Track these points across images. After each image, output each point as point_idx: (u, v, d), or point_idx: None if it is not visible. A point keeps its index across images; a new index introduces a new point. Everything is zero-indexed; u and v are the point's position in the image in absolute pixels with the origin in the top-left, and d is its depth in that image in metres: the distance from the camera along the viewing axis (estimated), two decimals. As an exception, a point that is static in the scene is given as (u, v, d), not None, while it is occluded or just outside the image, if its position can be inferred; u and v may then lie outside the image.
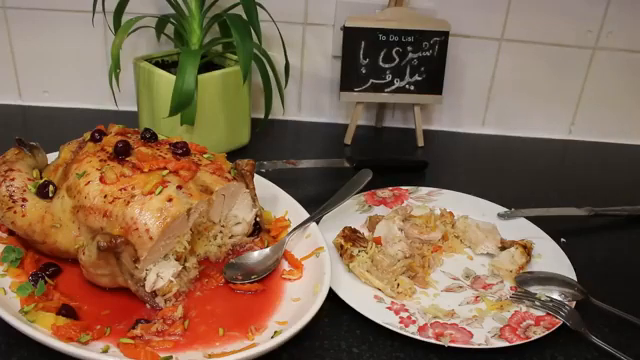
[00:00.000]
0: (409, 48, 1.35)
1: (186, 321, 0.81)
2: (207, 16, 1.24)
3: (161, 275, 0.83)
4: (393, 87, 1.38)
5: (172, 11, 1.24)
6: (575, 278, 0.95)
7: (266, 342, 0.75)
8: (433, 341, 0.81)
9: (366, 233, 1.03)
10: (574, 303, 0.90)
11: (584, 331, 0.85)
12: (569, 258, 0.99)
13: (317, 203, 1.02)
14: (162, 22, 1.30)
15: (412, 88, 1.38)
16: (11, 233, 0.91)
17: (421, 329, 0.84)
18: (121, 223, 0.80)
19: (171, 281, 0.84)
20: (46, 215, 0.87)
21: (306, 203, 1.03)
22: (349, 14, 1.33)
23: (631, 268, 1.04)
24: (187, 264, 0.88)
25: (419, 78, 1.37)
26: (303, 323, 0.77)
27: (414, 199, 1.15)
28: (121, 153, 0.88)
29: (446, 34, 1.34)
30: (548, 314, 0.87)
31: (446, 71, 1.38)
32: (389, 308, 0.88)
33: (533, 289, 0.92)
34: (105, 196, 0.82)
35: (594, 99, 1.48)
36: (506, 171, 1.36)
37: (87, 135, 0.95)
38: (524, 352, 0.83)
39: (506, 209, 1.12)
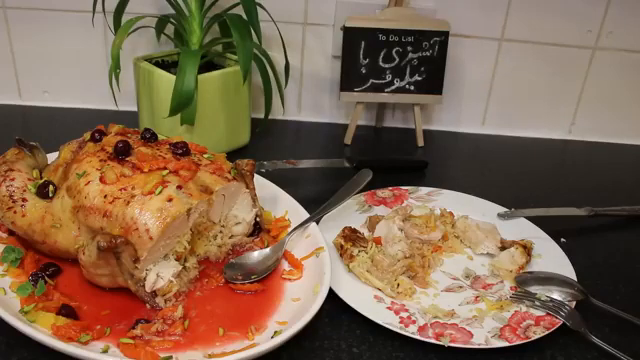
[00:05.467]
0: (409, 48, 1.35)
1: (186, 321, 0.81)
2: (207, 16, 1.24)
3: (161, 275, 0.83)
4: (393, 87, 1.38)
5: (172, 11, 1.24)
6: (575, 278, 0.95)
7: (266, 342, 0.75)
8: (433, 341, 0.81)
9: (366, 233, 1.03)
10: (574, 303, 0.90)
11: (584, 331, 0.85)
12: (569, 258, 0.99)
13: (317, 203, 1.02)
14: (162, 22, 1.30)
15: (412, 88, 1.38)
16: (11, 233, 0.91)
17: (421, 329, 0.84)
18: (121, 223, 0.80)
19: (171, 281, 0.84)
20: (46, 215, 0.87)
21: (306, 203, 1.03)
22: (349, 14, 1.33)
23: (631, 268, 1.04)
24: (187, 264, 0.88)
25: (419, 78, 1.37)
26: (303, 323, 0.77)
27: (414, 199, 1.15)
28: (121, 153, 0.88)
29: (446, 34, 1.34)
30: (548, 314, 0.87)
31: (446, 71, 1.38)
32: (389, 308, 0.88)
33: (533, 289, 0.92)
34: (105, 196, 0.82)
35: (594, 99, 1.48)
36: (506, 171, 1.36)
37: (87, 135, 0.95)
38: (524, 352, 0.83)
39: (506, 209, 1.12)
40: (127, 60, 1.26)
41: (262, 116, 1.30)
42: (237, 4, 1.25)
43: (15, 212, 0.87)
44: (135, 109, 1.31)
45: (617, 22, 1.38)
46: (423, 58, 1.36)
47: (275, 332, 0.79)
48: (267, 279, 0.91)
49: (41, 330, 0.75)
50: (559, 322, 0.86)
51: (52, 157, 1.00)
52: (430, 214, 1.07)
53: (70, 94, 1.45)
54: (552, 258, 1.01)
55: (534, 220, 1.09)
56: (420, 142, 1.42)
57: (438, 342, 0.81)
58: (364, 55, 1.34)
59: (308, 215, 1.00)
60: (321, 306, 0.81)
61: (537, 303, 0.89)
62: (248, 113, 1.30)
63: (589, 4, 1.37)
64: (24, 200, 0.88)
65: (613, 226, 1.16)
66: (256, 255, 0.95)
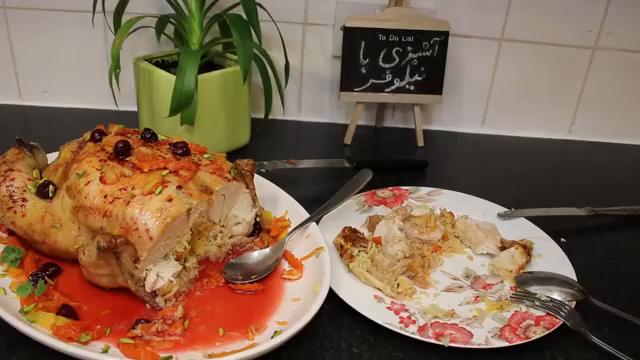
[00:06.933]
0: (409, 48, 1.35)
1: (186, 321, 0.81)
2: (207, 16, 1.24)
3: (161, 275, 0.83)
4: (393, 87, 1.38)
5: (172, 11, 1.24)
6: (575, 278, 0.95)
7: (266, 342, 0.75)
8: (433, 341, 0.81)
9: (366, 233, 1.03)
10: (574, 303, 0.90)
11: (584, 331, 0.85)
12: (569, 258, 0.99)
13: (317, 203, 1.02)
14: (162, 22, 1.30)
15: (412, 88, 1.38)
16: (11, 233, 0.91)
17: (421, 329, 0.84)
18: (121, 223, 0.80)
19: (171, 281, 0.84)
20: (46, 215, 0.87)
21: (306, 203, 1.03)
22: (349, 14, 1.33)
23: (631, 268, 1.04)
24: (187, 264, 0.88)
25: (419, 78, 1.37)
26: (303, 323, 0.77)
27: (414, 199, 1.15)
28: (121, 153, 0.88)
29: (446, 34, 1.34)
30: (548, 314, 0.87)
31: (446, 71, 1.38)
32: (389, 308, 0.88)
33: (533, 289, 0.92)
34: (105, 196, 0.82)
35: (594, 99, 1.48)
36: (506, 171, 1.36)
37: (87, 135, 0.95)
38: (524, 352, 0.83)
39: (506, 209, 1.12)
40: (127, 60, 1.26)
41: (262, 116, 1.30)
42: (237, 4, 1.25)
43: (15, 212, 0.87)
44: (135, 109, 1.31)
45: (617, 22, 1.38)
46: (423, 58, 1.36)
47: (275, 332, 0.79)
48: (267, 279, 0.91)
49: (41, 330, 0.75)
50: (559, 322, 0.86)
51: (52, 157, 1.00)
52: (430, 214, 1.07)
53: (70, 94, 1.45)
54: (552, 258, 1.01)
55: (534, 220, 1.09)
56: (420, 142, 1.42)
57: (438, 342, 0.81)
58: (364, 55, 1.34)
59: (308, 215, 1.00)
60: (321, 306, 0.81)
61: (537, 303, 0.89)
62: (248, 113, 1.30)
63: (589, 4, 1.37)
64: (24, 200, 0.88)
65: (613, 226, 1.16)
66: (256, 255, 0.95)
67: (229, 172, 0.92)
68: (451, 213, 1.08)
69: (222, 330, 0.80)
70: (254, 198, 0.96)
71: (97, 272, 0.82)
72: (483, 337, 0.83)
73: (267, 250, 0.95)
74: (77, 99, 1.45)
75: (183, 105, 1.12)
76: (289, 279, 0.91)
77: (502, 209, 1.13)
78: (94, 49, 1.40)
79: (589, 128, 1.51)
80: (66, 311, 0.79)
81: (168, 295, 0.84)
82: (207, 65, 1.26)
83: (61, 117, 1.42)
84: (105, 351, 0.75)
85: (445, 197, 1.15)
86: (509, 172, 1.36)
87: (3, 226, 0.92)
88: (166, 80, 1.16)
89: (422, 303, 0.91)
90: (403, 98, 1.39)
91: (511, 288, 0.95)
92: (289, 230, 0.98)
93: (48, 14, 1.36)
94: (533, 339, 0.83)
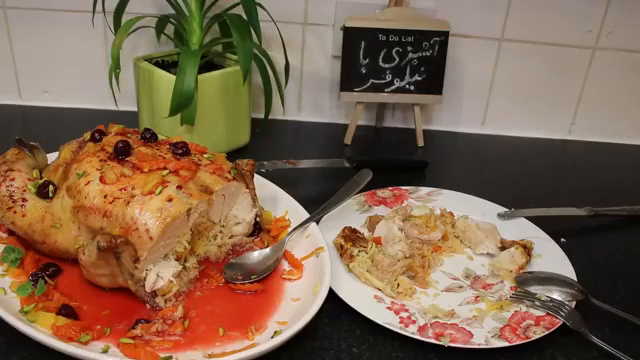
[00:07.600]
0: (409, 48, 1.35)
1: (186, 321, 0.81)
2: (207, 16, 1.24)
3: (161, 275, 0.83)
4: (393, 87, 1.38)
5: (172, 11, 1.24)
6: (575, 278, 0.95)
7: (266, 342, 0.75)
8: (433, 341, 0.81)
9: (366, 233, 1.03)
10: (574, 303, 0.90)
11: (584, 331, 0.85)
12: (569, 258, 0.99)
13: (317, 203, 1.02)
14: (162, 22, 1.30)
15: (412, 88, 1.38)
16: (11, 233, 0.91)
17: (421, 329, 0.84)
18: (121, 223, 0.80)
19: (171, 281, 0.84)
20: (46, 215, 0.87)
21: (306, 203, 1.03)
22: (349, 14, 1.33)
23: (631, 268, 1.04)
24: (187, 264, 0.88)
25: (419, 78, 1.37)
26: (303, 323, 0.77)
27: (414, 199, 1.15)
28: (121, 153, 0.88)
29: (446, 34, 1.34)
30: (548, 314, 0.87)
31: (446, 71, 1.38)
32: (389, 308, 0.88)
33: (533, 289, 0.92)
34: (105, 196, 0.82)
35: (594, 99, 1.48)
36: (506, 171, 1.36)
37: (87, 135, 0.95)
38: (524, 352, 0.83)
39: (506, 209, 1.12)
40: (127, 60, 1.26)
41: (262, 116, 1.30)
42: (237, 4, 1.25)
43: (15, 212, 0.87)
44: (135, 109, 1.31)
45: (617, 22, 1.38)
46: (423, 58, 1.36)
47: (275, 332, 0.79)
48: (267, 279, 0.91)
49: (41, 330, 0.75)
50: (559, 322, 0.86)
51: (52, 157, 1.00)
52: (430, 214, 1.07)
53: (70, 94, 1.45)
54: (552, 258, 1.01)
55: (534, 220, 1.09)
56: (420, 142, 1.42)
57: (438, 342, 0.81)
58: (364, 55, 1.34)
59: (308, 215, 1.00)
60: (321, 306, 0.81)
61: (537, 303, 0.89)
62: (248, 113, 1.30)
63: (589, 4, 1.37)
64: (24, 200, 0.88)
65: (613, 226, 1.16)
66: (256, 255, 0.95)
67: (229, 172, 0.92)
68: (451, 213, 1.08)
69: (222, 330, 0.80)
70: (254, 198, 0.96)
71: (97, 272, 0.82)
72: (483, 337, 0.83)
73: (267, 250, 0.95)
74: (77, 99, 1.45)
75: (183, 105, 1.12)
76: (289, 279, 0.91)
77: (502, 209, 1.13)
78: (94, 49, 1.40)
79: (589, 128, 1.51)
80: (66, 311, 0.79)
81: (168, 295, 0.84)
82: (207, 65, 1.26)
83: (61, 117, 1.42)
84: (105, 351, 0.75)
85: (445, 197, 1.15)
86: (509, 172, 1.36)
87: (3, 226, 0.92)
88: (166, 80, 1.16)
89: (422, 303, 0.91)
90: (403, 98, 1.39)
91: (511, 288, 0.95)
92: (289, 230, 0.98)
93: (48, 14, 1.36)
94: (533, 339, 0.83)
